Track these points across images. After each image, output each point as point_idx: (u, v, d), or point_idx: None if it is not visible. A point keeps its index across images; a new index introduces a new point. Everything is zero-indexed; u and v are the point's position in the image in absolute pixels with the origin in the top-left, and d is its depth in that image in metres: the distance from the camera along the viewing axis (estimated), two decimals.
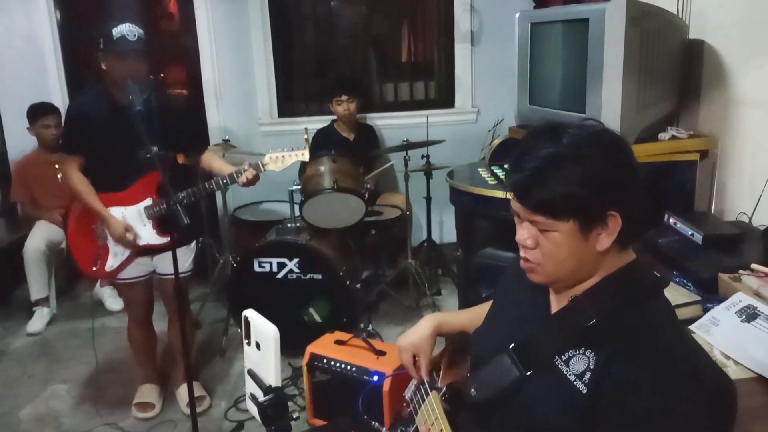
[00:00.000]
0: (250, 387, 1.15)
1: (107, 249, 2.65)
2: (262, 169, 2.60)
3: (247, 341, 1.15)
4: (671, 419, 0.98)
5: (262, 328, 1.08)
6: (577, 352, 1.08)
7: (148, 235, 2.62)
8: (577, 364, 1.07)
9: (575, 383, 1.06)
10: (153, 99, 2.44)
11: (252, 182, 2.57)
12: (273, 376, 1.09)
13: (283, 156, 2.62)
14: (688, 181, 2.47)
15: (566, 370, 1.08)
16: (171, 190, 2.24)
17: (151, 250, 2.68)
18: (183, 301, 2.56)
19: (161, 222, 2.61)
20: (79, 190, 2.59)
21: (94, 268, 2.67)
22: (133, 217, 2.60)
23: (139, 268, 2.72)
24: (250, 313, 1.13)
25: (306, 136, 2.75)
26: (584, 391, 1.04)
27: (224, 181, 2.57)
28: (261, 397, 1.10)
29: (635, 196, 1.10)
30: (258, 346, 1.12)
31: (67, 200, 2.70)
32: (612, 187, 1.06)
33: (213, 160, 2.78)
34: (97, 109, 2.55)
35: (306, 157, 2.67)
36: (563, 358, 1.10)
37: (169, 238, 2.50)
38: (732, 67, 2.41)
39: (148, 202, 2.60)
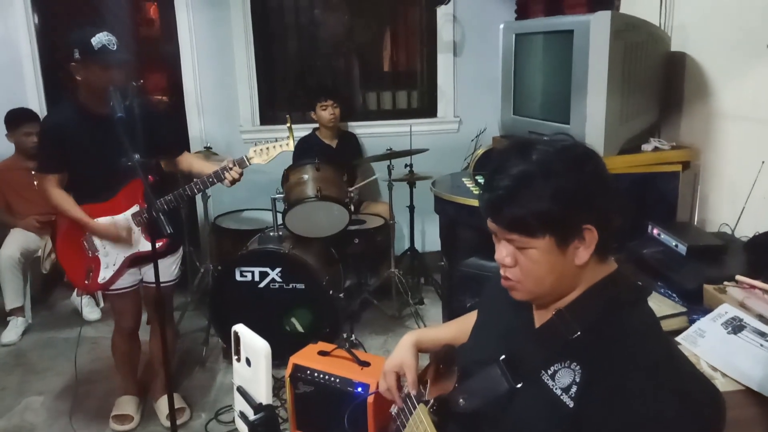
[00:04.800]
0: (239, 404, 1.12)
1: (98, 261, 2.61)
2: (248, 163, 2.58)
3: (236, 357, 1.13)
4: (658, 427, 0.98)
5: (253, 344, 1.06)
6: (563, 365, 1.09)
7: (139, 242, 2.59)
8: (563, 378, 1.07)
9: (561, 397, 1.06)
10: (133, 106, 2.40)
11: (237, 179, 2.55)
12: (264, 394, 1.06)
13: (267, 148, 2.59)
14: (670, 192, 2.50)
15: (552, 385, 1.08)
16: (152, 198, 2.22)
17: (140, 260, 2.64)
18: (165, 311, 2.52)
19: (150, 228, 2.56)
20: (62, 206, 2.55)
21: (86, 282, 2.63)
22: (122, 226, 2.57)
23: (130, 278, 2.69)
24: (240, 328, 1.11)
25: (288, 125, 2.70)
26: (571, 405, 1.04)
27: (210, 179, 2.54)
28: (251, 415, 1.07)
29: (609, 207, 1.10)
30: (248, 362, 1.10)
31: (44, 207, 2.63)
32: (584, 201, 1.07)
33: (193, 162, 2.74)
34: (74, 121, 2.49)
35: (291, 147, 2.64)
36: (549, 372, 1.10)
37: (161, 243, 2.46)
38: (713, 79, 2.44)
39: (135, 209, 2.58)
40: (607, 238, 1.09)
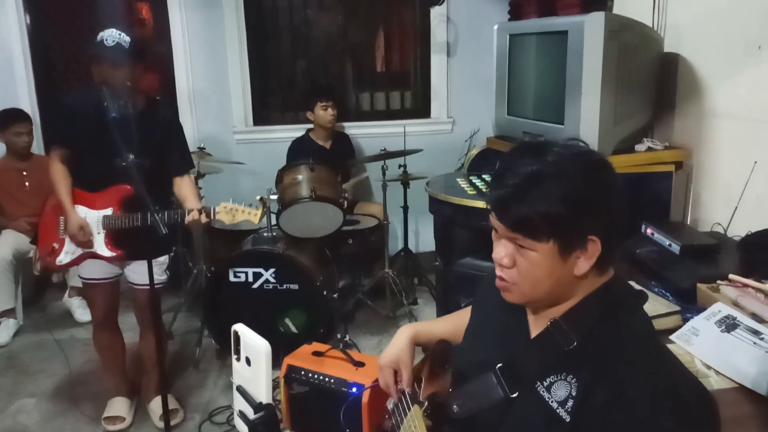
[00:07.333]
0: (239, 404, 1.12)
1: (63, 243, 2.64)
2: (213, 216, 2.63)
3: (236, 357, 1.12)
4: None
5: (254, 343, 1.06)
6: (558, 377, 1.06)
7: (98, 245, 2.61)
8: (559, 391, 1.05)
9: (558, 411, 1.04)
10: (145, 108, 2.40)
11: (196, 225, 2.57)
12: (264, 393, 1.06)
13: (235, 209, 2.65)
14: (664, 191, 2.52)
15: (548, 397, 1.06)
16: (148, 200, 2.21)
17: (118, 258, 2.65)
18: (156, 313, 2.50)
19: (113, 235, 2.60)
20: (54, 180, 2.59)
21: (47, 257, 2.67)
22: (92, 222, 2.60)
23: (103, 269, 2.69)
24: (240, 328, 1.11)
25: (260, 197, 2.87)
26: (567, 420, 1.02)
27: (175, 216, 2.55)
28: (251, 415, 1.07)
29: (616, 221, 1.08)
30: (248, 361, 1.09)
31: (35, 209, 2.63)
32: (593, 209, 1.04)
33: (183, 192, 2.71)
34: (88, 108, 2.53)
35: (256, 219, 2.71)
36: (545, 383, 1.07)
37: (117, 253, 2.58)
38: (706, 80, 2.46)
39: (109, 212, 2.60)
40: (609, 251, 1.07)
